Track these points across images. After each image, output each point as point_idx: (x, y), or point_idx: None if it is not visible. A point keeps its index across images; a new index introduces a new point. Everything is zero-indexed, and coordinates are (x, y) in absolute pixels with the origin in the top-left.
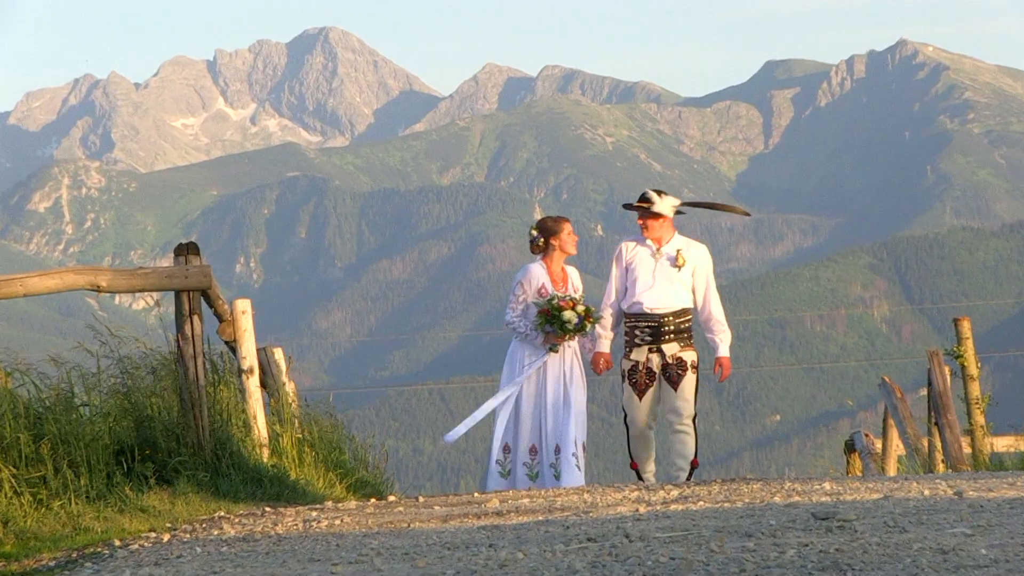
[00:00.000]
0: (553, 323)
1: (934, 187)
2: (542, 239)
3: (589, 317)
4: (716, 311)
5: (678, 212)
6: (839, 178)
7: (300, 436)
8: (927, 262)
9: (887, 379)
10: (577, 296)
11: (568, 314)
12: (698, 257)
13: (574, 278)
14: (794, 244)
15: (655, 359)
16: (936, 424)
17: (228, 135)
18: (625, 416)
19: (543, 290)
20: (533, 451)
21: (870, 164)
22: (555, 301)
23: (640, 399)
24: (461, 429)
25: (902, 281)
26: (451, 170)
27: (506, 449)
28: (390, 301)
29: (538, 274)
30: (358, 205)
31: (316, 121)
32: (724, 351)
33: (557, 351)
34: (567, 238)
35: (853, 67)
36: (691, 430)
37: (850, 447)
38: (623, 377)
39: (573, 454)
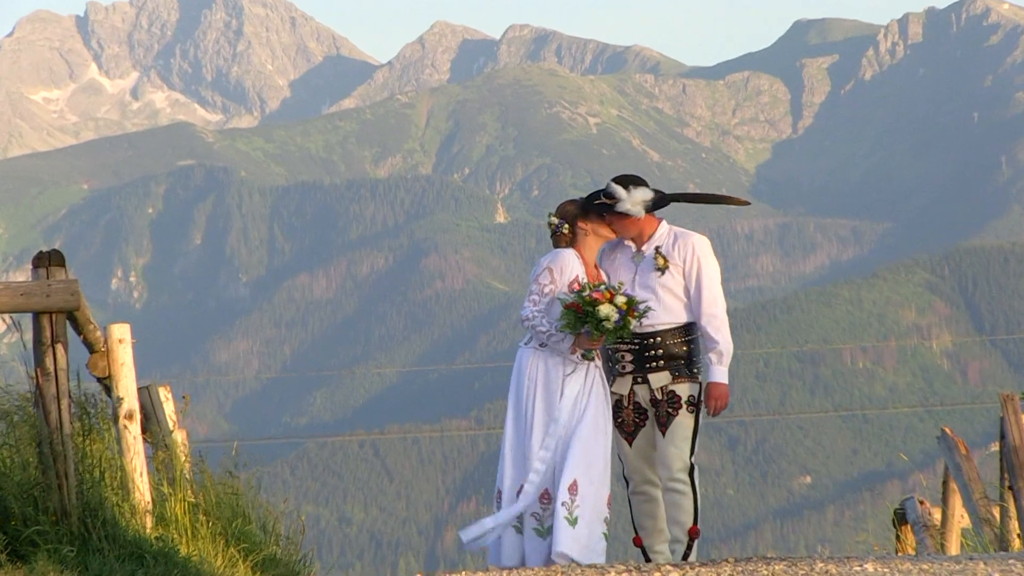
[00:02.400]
0: (588, 322)
1: (1010, 184)
2: (567, 225)
3: (632, 311)
4: (708, 317)
5: (655, 207)
6: (888, 172)
7: (193, 500)
8: (1000, 280)
9: (948, 431)
10: (616, 285)
11: (605, 309)
12: (686, 251)
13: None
14: (830, 256)
15: (641, 392)
16: (1011, 488)
17: (103, 112)
18: (623, 469)
19: (575, 284)
20: (545, 497)
21: (928, 154)
22: (586, 294)
23: (630, 444)
24: (489, 523)
25: (968, 304)
26: (390, 158)
27: (544, 497)
28: (310, 327)
29: (572, 262)
30: (269, 203)
31: (216, 95)
32: (715, 375)
33: (592, 359)
34: (598, 219)
35: (907, 29)
36: (687, 488)
37: (900, 517)
38: None
39: (563, 503)
